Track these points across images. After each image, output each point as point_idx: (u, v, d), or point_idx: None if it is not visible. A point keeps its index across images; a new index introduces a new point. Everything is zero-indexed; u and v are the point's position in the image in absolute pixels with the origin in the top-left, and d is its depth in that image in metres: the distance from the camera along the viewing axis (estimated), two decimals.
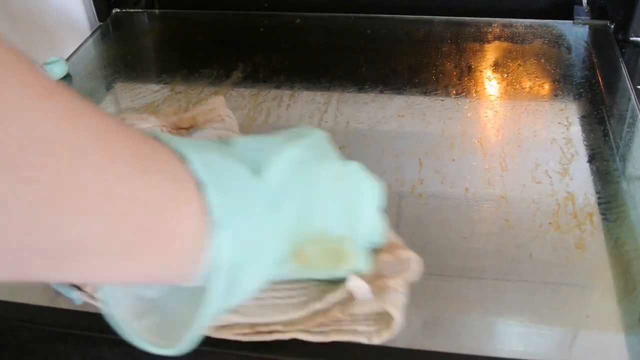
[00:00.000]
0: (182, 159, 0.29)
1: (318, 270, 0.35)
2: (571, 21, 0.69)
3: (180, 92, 0.62)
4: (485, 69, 0.62)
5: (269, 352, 0.36)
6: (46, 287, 0.42)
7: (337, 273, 0.35)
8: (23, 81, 0.22)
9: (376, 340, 0.36)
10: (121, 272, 0.28)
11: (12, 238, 0.23)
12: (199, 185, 0.28)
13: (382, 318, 0.36)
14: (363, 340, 0.36)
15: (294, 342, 0.36)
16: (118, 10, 0.77)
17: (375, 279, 0.36)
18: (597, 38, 0.67)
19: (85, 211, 0.24)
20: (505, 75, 0.61)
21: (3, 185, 0.21)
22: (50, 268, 0.25)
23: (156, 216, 0.27)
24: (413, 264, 0.37)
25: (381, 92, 0.60)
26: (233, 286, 0.29)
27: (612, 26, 0.67)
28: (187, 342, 0.30)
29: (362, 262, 0.36)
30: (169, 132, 0.48)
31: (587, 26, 0.68)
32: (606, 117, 0.54)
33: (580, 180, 0.48)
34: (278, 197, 0.31)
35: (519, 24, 0.69)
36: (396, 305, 0.35)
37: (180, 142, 0.29)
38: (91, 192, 0.24)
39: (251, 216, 0.30)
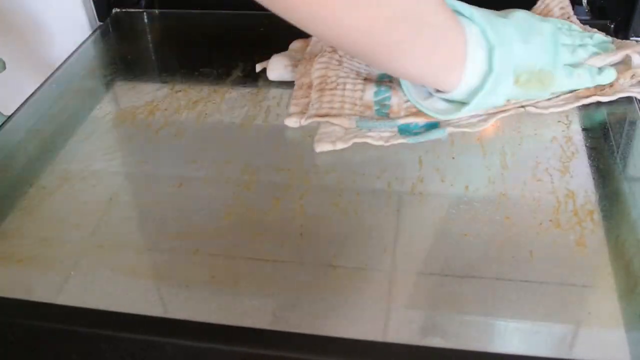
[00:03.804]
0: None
1: (530, 92, 0.51)
2: None
3: (180, 91, 0.62)
4: None
5: (270, 348, 0.36)
6: (46, 283, 0.42)
7: (543, 94, 0.53)
8: None
9: None
10: (420, 66, 0.47)
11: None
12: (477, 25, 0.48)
13: None
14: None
15: (299, 335, 0.36)
16: (118, 10, 0.77)
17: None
18: None
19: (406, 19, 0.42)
20: None
21: None
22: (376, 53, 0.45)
23: (448, 32, 0.46)
24: None
25: None
26: (496, 87, 0.49)
27: (612, 26, 0.67)
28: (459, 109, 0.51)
29: (565, 83, 0.53)
30: None
31: (587, 26, 0.68)
32: (606, 116, 0.54)
33: (581, 178, 0.48)
34: (524, 35, 0.49)
35: None
36: None
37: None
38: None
39: (510, 43, 0.48)
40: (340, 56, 0.58)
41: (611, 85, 0.54)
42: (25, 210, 0.49)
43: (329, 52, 0.59)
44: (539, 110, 0.53)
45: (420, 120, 0.53)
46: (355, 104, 0.55)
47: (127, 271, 0.43)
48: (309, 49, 0.62)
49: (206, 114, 0.58)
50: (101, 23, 0.76)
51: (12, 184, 0.52)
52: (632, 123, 0.53)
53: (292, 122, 0.55)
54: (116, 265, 0.44)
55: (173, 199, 0.49)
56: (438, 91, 0.52)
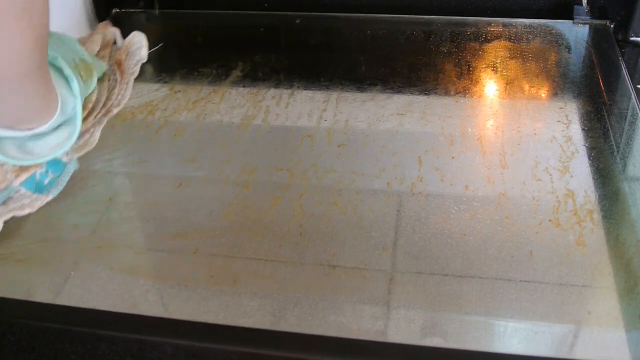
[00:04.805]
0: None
1: (90, 83, 0.55)
2: (571, 21, 0.69)
3: (179, 91, 0.62)
4: (485, 68, 0.62)
5: (270, 348, 0.36)
6: (46, 283, 0.41)
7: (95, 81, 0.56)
8: None
9: None
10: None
11: None
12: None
13: None
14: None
15: (299, 335, 0.36)
16: (118, 10, 0.77)
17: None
18: (597, 38, 0.67)
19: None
20: (505, 74, 0.61)
21: None
22: None
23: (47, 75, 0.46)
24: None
25: (381, 90, 0.60)
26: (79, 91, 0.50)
27: (612, 26, 0.67)
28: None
29: (97, 68, 0.57)
30: None
31: (587, 26, 0.68)
32: (606, 116, 0.54)
33: (581, 177, 0.48)
34: (58, 45, 0.52)
35: (519, 24, 0.69)
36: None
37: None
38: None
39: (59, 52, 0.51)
40: None
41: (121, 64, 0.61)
42: None
43: None
44: (121, 107, 0.56)
45: (37, 169, 0.49)
46: None
47: (126, 271, 0.43)
48: None
49: (205, 114, 0.58)
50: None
51: None
52: (632, 123, 0.53)
53: None
54: (116, 265, 0.44)
55: (172, 198, 0.49)
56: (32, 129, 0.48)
